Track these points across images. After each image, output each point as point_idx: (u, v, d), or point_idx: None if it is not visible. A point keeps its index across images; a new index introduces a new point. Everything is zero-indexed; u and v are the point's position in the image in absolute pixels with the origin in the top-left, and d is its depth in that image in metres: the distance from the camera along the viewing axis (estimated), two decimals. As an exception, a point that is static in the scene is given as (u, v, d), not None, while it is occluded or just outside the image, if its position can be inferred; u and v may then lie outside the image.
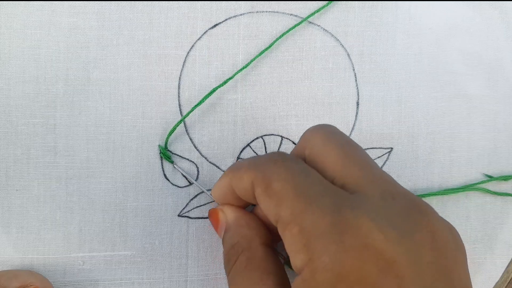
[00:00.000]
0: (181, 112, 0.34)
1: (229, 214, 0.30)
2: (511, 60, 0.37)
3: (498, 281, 0.37)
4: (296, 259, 0.23)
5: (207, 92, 0.34)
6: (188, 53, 0.35)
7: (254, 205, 0.30)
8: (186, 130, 0.35)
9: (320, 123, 0.30)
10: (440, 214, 0.36)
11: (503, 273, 0.37)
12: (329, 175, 0.26)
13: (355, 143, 0.27)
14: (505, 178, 0.37)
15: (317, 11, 0.35)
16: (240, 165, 0.28)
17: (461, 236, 0.36)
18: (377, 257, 0.21)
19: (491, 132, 0.37)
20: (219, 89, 0.34)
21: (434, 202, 0.36)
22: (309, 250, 0.22)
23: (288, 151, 0.35)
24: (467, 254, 0.36)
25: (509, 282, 0.37)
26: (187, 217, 0.34)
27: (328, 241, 0.22)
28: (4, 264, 0.33)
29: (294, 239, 0.23)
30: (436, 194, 0.36)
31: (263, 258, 0.27)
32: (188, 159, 0.34)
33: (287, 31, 0.35)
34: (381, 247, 0.21)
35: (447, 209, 0.37)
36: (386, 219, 0.23)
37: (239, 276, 0.26)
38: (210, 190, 0.34)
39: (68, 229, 0.33)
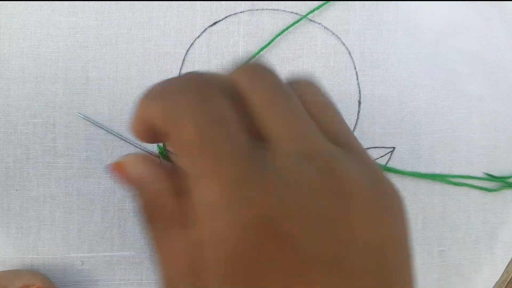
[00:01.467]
0: (180, 111, 0.34)
1: (139, 167, 0.25)
2: (511, 59, 0.37)
3: (498, 281, 0.37)
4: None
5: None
6: (187, 51, 0.34)
7: None
8: (186, 130, 0.34)
9: (258, 63, 0.25)
10: (442, 214, 0.36)
11: (503, 272, 0.37)
12: (254, 118, 0.22)
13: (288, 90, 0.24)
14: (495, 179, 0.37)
15: (317, 8, 0.35)
16: (151, 91, 0.23)
17: (462, 237, 0.36)
18: (276, 234, 0.19)
19: (491, 132, 0.37)
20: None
21: (435, 203, 0.36)
22: (202, 224, 0.20)
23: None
24: (468, 254, 0.36)
25: (509, 282, 0.37)
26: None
27: (224, 216, 0.20)
28: (4, 264, 0.33)
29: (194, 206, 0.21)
30: (401, 173, 0.35)
31: (183, 210, 0.22)
32: None
33: (288, 28, 0.34)
34: (280, 223, 0.19)
35: (448, 210, 0.36)
36: (291, 191, 0.20)
37: (164, 232, 0.23)
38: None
39: (67, 229, 0.33)
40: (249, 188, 0.20)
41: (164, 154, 0.34)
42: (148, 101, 0.22)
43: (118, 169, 0.26)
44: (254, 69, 0.24)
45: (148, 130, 0.24)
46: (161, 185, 0.25)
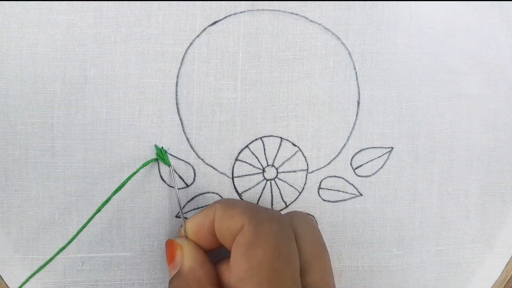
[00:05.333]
0: (178, 111, 0.34)
1: (187, 258, 0.29)
2: (511, 59, 0.37)
3: (497, 280, 0.38)
4: None
5: (205, 91, 0.34)
6: (186, 50, 0.34)
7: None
8: (183, 130, 0.34)
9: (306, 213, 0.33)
10: (440, 214, 0.37)
11: (502, 272, 0.38)
12: (302, 261, 0.27)
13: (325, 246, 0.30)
14: None
15: None
16: (235, 204, 0.28)
17: (460, 236, 0.37)
18: None
19: (491, 132, 0.37)
20: (218, 88, 0.34)
21: (434, 202, 0.36)
22: None
23: (288, 153, 0.35)
24: (466, 253, 0.37)
25: (508, 281, 0.38)
26: (185, 218, 0.34)
27: None
28: (5, 264, 0.33)
29: None
30: None
31: None
32: (184, 161, 0.34)
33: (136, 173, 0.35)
34: None
35: (447, 208, 0.37)
36: None
37: None
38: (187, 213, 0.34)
39: (67, 230, 0.34)
40: None
41: (160, 156, 0.34)
42: (242, 211, 0.27)
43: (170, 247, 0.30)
44: (314, 225, 0.30)
45: (207, 230, 0.29)
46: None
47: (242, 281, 0.25)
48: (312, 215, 0.36)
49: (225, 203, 0.29)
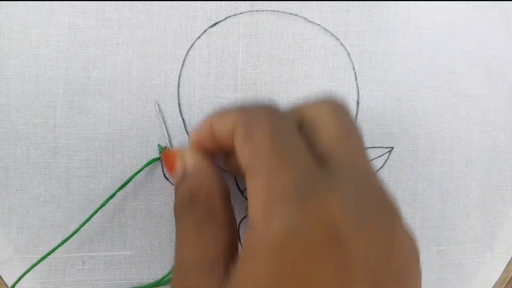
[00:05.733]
0: (180, 111, 0.34)
1: (189, 160, 0.29)
2: (510, 59, 0.37)
3: (497, 280, 0.37)
4: (254, 213, 0.23)
5: (206, 91, 0.34)
6: (187, 52, 0.35)
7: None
8: (186, 129, 0.34)
9: (330, 97, 0.28)
10: (441, 214, 0.37)
11: (503, 272, 0.38)
12: (325, 147, 0.26)
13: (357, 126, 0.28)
14: None
15: None
16: (225, 108, 0.28)
17: (461, 236, 0.37)
18: (332, 234, 0.22)
19: (491, 132, 0.37)
20: (218, 88, 0.34)
21: (434, 202, 0.36)
22: (268, 209, 0.22)
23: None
24: (467, 253, 0.37)
25: (508, 282, 0.37)
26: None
27: (288, 207, 0.22)
28: (4, 264, 0.33)
29: (258, 192, 0.23)
30: None
31: (220, 212, 0.26)
32: None
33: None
34: (338, 226, 0.22)
35: (447, 208, 0.37)
36: (353, 206, 0.23)
37: (194, 228, 0.26)
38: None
39: (68, 229, 0.34)
40: (319, 188, 0.23)
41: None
42: (231, 112, 0.26)
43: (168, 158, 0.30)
44: (337, 107, 0.28)
45: (209, 137, 0.28)
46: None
47: (250, 162, 0.24)
48: None
49: (218, 110, 0.28)
